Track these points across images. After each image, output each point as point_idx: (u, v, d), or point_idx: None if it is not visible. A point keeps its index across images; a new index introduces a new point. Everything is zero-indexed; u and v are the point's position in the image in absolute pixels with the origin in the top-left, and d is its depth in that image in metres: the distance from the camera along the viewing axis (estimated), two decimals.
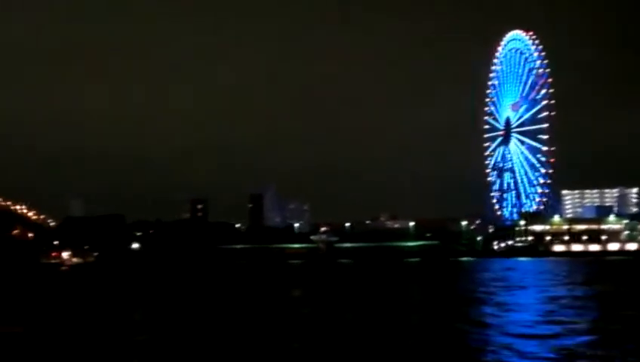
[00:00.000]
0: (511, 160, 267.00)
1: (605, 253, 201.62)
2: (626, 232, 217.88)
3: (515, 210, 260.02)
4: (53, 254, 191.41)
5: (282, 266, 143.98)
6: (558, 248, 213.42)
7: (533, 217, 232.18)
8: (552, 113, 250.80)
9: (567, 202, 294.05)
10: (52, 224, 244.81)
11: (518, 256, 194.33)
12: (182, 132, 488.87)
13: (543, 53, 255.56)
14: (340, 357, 22.60)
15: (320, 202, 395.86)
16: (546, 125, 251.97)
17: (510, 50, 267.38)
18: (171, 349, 24.27)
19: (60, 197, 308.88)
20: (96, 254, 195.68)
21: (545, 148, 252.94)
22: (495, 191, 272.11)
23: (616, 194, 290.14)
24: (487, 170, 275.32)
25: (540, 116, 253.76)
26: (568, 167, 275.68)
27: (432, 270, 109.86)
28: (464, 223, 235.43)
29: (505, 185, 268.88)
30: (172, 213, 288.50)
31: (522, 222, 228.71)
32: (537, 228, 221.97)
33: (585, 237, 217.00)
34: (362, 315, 36.52)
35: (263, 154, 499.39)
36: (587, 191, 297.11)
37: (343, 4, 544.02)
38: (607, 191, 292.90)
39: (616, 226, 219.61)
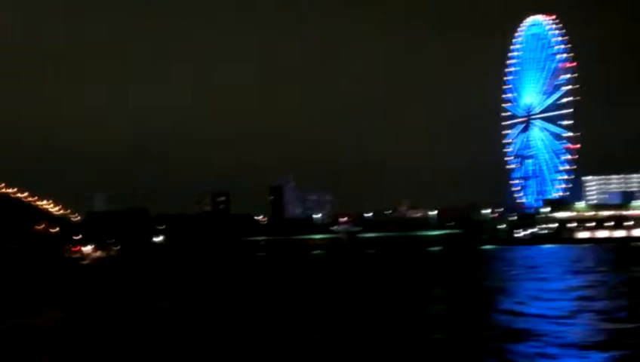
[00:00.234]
0: (533, 146, 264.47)
1: (630, 238, 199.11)
2: None
3: (538, 197, 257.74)
4: (76, 248, 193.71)
5: (305, 257, 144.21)
6: (583, 235, 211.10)
7: (556, 204, 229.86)
8: (575, 98, 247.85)
9: (590, 188, 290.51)
10: (76, 219, 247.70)
11: (542, 243, 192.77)
12: (201, 125, 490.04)
13: (564, 38, 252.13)
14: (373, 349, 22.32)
15: (340, 193, 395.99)
16: (568, 110, 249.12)
17: (530, 36, 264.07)
18: (192, 340, 24.21)
19: (84, 192, 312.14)
20: (117, 248, 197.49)
21: (567, 134, 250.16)
22: (517, 178, 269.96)
23: None
24: (509, 158, 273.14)
25: (562, 102, 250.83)
26: (591, 153, 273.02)
27: (455, 259, 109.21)
28: (487, 211, 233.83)
29: (527, 172, 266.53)
30: (194, 206, 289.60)
31: (545, 209, 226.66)
32: (561, 214, 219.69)
33: (609, 223, 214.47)
34: (391, 306, 36.27)
35: (284, 145, 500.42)
36: (611, 176, 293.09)
37: None
38: (631, 176, 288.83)
39: None
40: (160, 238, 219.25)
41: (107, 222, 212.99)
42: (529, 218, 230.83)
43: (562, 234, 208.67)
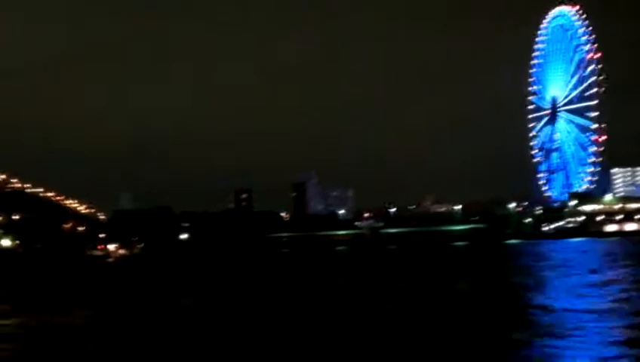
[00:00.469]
0: (559, 139, 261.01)
1: None
2: None
3: (564, 190, 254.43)
4: (100, 246, 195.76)
5: (328, 253, 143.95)
6: (611, 228, 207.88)
7: (583, 197, 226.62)
8: (601, 90, 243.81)
9: (618, 180, 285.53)
10: (102, 217, 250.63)
11: (569, 237, 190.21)
12: (201, 125, 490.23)
13: (590, 29, 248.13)
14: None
15: (362, 188, 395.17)
16: (594, 102, 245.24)
17: (555, 27, 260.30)
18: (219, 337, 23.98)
19: (111, 191, 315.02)
20: (141, 246, 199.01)
21: (594, 126, 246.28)
22: (543, 171, 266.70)
23: None
24: (534, 151, 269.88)
25: (588, 93, 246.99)
26: (618, 145, 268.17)
27: (481, 254, 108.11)
28: (512, 205, 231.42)
29: (553, 165, 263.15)
30: (217, 203, 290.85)
31: (572, 203, 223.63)
32: (588, 208, 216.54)
33: (638, 216, 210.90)
34: (426, 301, 35.77)
35: (305, 141, 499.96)
36: (637, 169, 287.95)
37: None
38: None
39: None
40: (185, 236, 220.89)
41: (133, 221, 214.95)
42: (555, 211, 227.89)
43: (590, 228, 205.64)
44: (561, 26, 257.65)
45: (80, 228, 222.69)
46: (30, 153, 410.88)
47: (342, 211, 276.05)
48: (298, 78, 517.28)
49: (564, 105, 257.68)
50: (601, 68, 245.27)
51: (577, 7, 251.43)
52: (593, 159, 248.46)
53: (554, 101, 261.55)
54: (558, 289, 39.15)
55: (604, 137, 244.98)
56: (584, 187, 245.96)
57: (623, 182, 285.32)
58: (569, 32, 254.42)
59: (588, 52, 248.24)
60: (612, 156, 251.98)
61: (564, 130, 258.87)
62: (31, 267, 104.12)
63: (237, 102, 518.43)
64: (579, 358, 18.52)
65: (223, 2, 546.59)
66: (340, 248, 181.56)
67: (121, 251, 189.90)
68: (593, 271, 54.67)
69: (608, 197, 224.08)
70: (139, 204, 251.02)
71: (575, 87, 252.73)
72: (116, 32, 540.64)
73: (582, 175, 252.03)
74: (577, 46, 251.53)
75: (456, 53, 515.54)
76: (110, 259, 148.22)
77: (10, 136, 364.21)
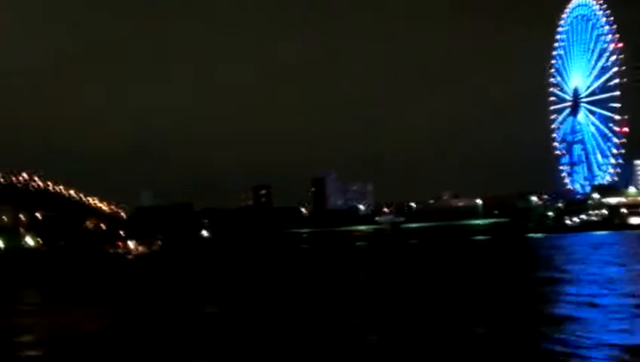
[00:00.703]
0: (580, 131, 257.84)
1: None
2: None
3: (586, 183, 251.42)
4: (120, 244, 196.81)
5: (350, 248, 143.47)
6: (635, 220, 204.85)
7: (606, 189, 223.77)
8: (624, 80, 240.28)
9: None
10: (123, 215, 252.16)
11: (593, 230, 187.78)
12: (201, 125, 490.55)
13: (611, 19, 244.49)
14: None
15: (381, 183, 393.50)
16: (617, 93, 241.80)
17: (576, 18, 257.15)
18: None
19: (132, 188, 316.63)
20: (160, 243, 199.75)
21: (617, 117, 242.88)
22: (565, 164, 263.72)
23: None
24: (555, 143, 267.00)
25: (610, 84, 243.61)
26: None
27: (506, 248, 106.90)
28: (534, 199, 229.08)
29: (575, 157, 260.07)
30: (236, 199, 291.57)
31: (595, 195, 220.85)
32: (612, 200, 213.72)
33: None
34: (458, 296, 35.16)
35: (324, 136, 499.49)
36: None
37: None
38: None
39: None
40: (205, 233, 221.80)
41: (154, 218, 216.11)
42: (578, 204, 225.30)
43: (614, 221, 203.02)
44: (582, 16, 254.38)
45: (102, 226, 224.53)
46: (30, 153, 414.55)
47: (361, 206, 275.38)
48: (298, 78, 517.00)
49: (586, 96, 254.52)
50: (623, 58, 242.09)
51: None
52: (616, 151, 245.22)
53: (575, 92, 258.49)
54: (594, 282, 38.29)
55: (626, 128, 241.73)
56: (607, 179, 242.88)
57: None
58: (590, 22, 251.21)
59: (610, 42, 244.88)
60: (635, 147, 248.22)
61: (585, 121, 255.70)
62: (55, 265, 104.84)
63: (237, 102, 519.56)
64: None
65: (222, 2, 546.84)
66: (360, 243, 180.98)
67: (140, 248, 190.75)
68: (620, 264, 53.70)
69: (632, 189, 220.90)
70: (159, 200, 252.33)
71: (597, 78, 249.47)
72: (116, 32, 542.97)
73: (604, 167, 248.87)
74: (599, 36, 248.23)
75: (457, 53, 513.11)
76: (131, 257, 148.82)
77: (10, 136, 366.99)
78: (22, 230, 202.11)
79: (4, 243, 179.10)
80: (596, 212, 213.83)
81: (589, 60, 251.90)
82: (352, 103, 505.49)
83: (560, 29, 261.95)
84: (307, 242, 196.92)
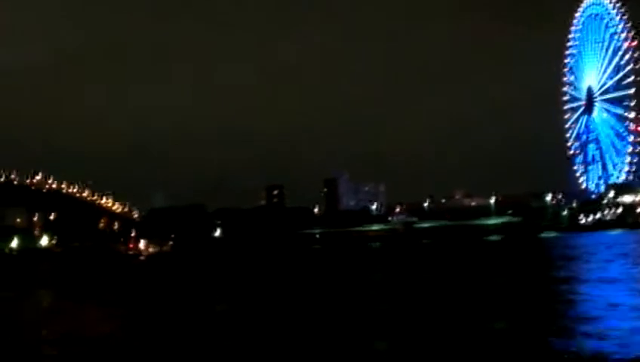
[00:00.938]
0: (595, 130, 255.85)
1: None
2: None
3: (600, 181, 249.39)
4: (131, 245, 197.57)
5: (363, 249, 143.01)
6: None
7: (621, 188, 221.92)
8: (638, 78, 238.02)
9: None
10: (136, 216, 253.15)
11: (607, 229, 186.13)
12: (201, 125, 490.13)
13: (625, 17, 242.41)
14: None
15: (392, 183, 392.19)
16: (631, 91, 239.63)
17: (589, 17, 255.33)
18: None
19: (144, 189, 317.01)
20: (171, 243, 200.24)
21: (631, 115, 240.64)
22: (579, 163, 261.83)
23: None
24: (569, 143, 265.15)
25: (625, 82, 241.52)
26: None
27: (520, 248, 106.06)
28: (548, 198, 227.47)
29: (589, 156, 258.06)
30: (248, 200, 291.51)
31: (610, 194, 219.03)
32: (627, 199, 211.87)
33: None
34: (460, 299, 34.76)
35: (335, 137, 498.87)
36: None
37: None
38: None
39: None
40: (218, 233, 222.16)
41: (166, 219, 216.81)
42: (592, 203, 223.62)
43: (628, 220, 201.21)
44: (596, 14, 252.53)
45: (115, 227, 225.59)
46: (30, 153, 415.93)
47: (374, 206, 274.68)
48: (298, 78, 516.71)
49: (600, 94, 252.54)
50: (638, 56, 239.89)
51: None
52: (631, 149, 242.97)
53: (589, 91, 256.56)
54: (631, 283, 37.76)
55: None
56: (622, 178, 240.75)
57: None
58: (604, 21, 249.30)
59: (624, 40, 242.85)
60: None
61: (600, 120, 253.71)
62: (69, 266, 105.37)
63: (237, 102, 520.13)
64: None
65: (223, 2, 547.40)
66: (373, 244, 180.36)
67: (152, 249, 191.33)
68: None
69: None
70: (172, 201, 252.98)
71: (611, 76, 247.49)
72: (116, 32, 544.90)
73: (619, 166, 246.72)
74: (613, 34, 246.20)
75: (457, 53, 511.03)
76: (142, 258, 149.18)
77: (10, 136, 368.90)
78: (36, 231, 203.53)
79: (18, 244, 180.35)
80: (611, 211, 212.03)
81: (603, 59, 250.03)
82: (352, 103, 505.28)
83: (573, 28, 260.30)
84: (320, 242, 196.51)
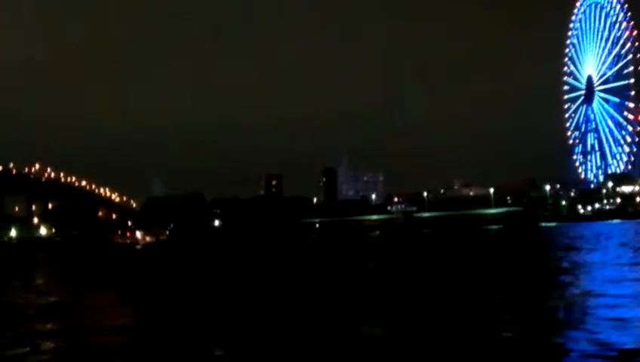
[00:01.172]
0: (594, 119, 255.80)
1: None
2: None
3: (600, 171, 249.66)
4: (127, 234, 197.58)
5: (363, 238, 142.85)
6: None
7: (620, 178, 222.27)
8: (638, 68, 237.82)
9: None
10: (134, 205, 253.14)
11: (607, 219, 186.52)
12: (202, 125, 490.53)
13: (626, 6, 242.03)
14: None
15: (391, 173, 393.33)
16: (631, 81, 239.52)
17: (589, 6, 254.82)
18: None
19: (142, 179, 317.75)
20: (168, 233, 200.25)
21: (631, 105, 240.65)
22: (578, 153, 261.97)
23: None
24: (569, 133, 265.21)
25: (625, 72, 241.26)
26: None
27: (520, 237, 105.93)
28: (547, 187, 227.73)
29: (588, 146, 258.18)
30: (247, 189, 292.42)
31: (609, 184, 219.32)
32: (626, 189, 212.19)
33: None
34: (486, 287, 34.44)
35: (334, 126, 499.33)
36: None
37: None
38: None
39: None
40: (217, 223, 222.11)
41: (165, 208, 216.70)
42: (592, 193, 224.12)
43: (628, 209, 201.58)
44: (596, 4, 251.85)
45: (114, 216, 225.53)
46: (30, 153, 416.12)
47: (373, 196, 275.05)
48: (298, 78, 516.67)
49: (600, 84, 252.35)
50: (638, 46, 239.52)
51: None
52: (630, 139, 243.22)
53: (589, 80, 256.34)
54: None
55: None
56: (621, 168, 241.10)
57: None
58: (604, 10, 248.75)
59: (624, 30, 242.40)
60: None
61: (599, 110, 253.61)
62: (67, 255, 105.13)
63: (237, 102, 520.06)
64: None
65: (223, 3, 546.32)
66: (373, 233, 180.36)
67: (148, 238, 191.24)
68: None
69: None
70: (170, 190, 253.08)
71: (611, 66, 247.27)
72: (116, 32, 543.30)
73: (618, 155, 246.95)
74: (613, 24, 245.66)
75: (457, 53, 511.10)
76: (139, 247, 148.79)
77: (9, 136, 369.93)
78: (35, 220, 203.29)
79: (17, 233, 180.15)
80: (610, 201, 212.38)
81: (603, 48, 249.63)
82: (352, 103, 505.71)
83: (573, 17, 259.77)
84: (320, 232, 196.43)
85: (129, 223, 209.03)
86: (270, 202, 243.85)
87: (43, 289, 40.25)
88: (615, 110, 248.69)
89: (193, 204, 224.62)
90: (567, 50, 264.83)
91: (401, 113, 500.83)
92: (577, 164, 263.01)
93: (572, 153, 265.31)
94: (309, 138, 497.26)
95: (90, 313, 27.33)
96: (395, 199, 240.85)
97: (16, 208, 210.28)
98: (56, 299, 32.89)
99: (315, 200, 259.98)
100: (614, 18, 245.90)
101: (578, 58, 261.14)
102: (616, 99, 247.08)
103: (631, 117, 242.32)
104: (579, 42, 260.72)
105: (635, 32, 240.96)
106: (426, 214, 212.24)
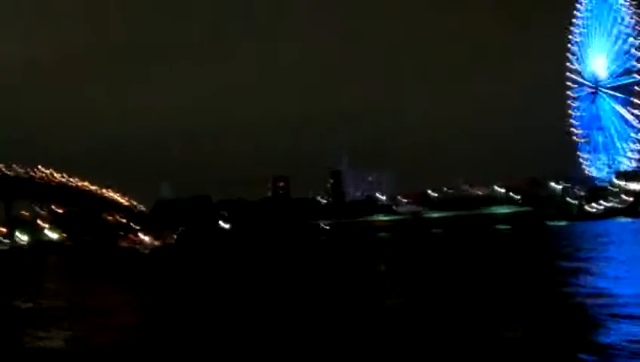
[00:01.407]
0: (601, 117, 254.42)
1: None
2: None
3: (608, 169, 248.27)
4: (133, 238, 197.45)
5: (372, 239, 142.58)
6: None
7: (629, 176, 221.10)
8: None
9: None
10: (142, 208, 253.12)
11: (616, 216, 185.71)
12: (202, 125, 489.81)
13: (633, 1, 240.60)
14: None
15: (394, 173, 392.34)
16: (638, 77, 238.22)
17: (595, 2, 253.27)
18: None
19: (144, 180, 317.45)
20: (175, 236, 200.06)
21: (638, 102, 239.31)
22: (585, 151, 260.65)
23: None
24: (574, 130, 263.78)
25: (632, 68, 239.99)
26: None
27: (531, 237, 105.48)
28: (556, 186, 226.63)
29: (597, 143, 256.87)
30: (254, 191, 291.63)
31: (617, 182, 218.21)
32: (635, 186, 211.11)
33: None
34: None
35: (334, 127, 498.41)
36: None
37: None
38: None
39: None
40: (224, 224, 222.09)
41: (173, 211, 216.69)
42: (601, 191, 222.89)
43: (637, 207, 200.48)
44: None
45: (123, 220, 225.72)
46: (30, 153, 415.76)
47: (383, 197, 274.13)
48: (298, 78, 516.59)
49: (607, 80, 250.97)
50: None
51: None
52: (637, 136, 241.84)
53: (595, 77, 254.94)
54: None
55: None
56: (629, 165, 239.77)
57: None
58: (610, 5, 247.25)
59: (630, 25, 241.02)
60: None
61: (606, 107, 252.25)
62: (78, 259, 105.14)
63: (237, 102, 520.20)
64: None
65: (223, 2, 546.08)
66: (382, 234, 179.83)
67: (155, 242, 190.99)
68: None
69: None
70: (178, 193, 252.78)
71: (617, 62, 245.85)
72: (116, 32, 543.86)
73: (626, 153, 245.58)
74: (619, 19, 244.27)
75: (457, 53, 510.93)
76: (146, 251, 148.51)
77: (10, 136, 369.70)
78: (44, 224, 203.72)
79: (27, 238, 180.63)
80: (619, 198, 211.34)
81: (609, 44, 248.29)
82: (352, 103, 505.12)
83: (578, 13, 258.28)
84: (329, 233, 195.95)
85: (138, 227, 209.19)
86: (278, 204, 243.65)
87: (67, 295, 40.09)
88: (622, 107, 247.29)
89: (201, 206, 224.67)
90: (571, 46, 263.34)
91: (402, 113, 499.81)
92: (584, 161, 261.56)
93: (578, 150, 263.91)
94: (310, 138, 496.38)
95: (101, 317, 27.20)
96: (404, 199, 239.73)
97: (25, 213, 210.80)
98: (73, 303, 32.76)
99: (322, 200, 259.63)
100: (621, 12, 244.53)
101: (583, 53, 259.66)
102: (623, 96, 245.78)
103: (638, 113, 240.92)
104: (585, 38, 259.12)
105: None
106: (435, 214, 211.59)
